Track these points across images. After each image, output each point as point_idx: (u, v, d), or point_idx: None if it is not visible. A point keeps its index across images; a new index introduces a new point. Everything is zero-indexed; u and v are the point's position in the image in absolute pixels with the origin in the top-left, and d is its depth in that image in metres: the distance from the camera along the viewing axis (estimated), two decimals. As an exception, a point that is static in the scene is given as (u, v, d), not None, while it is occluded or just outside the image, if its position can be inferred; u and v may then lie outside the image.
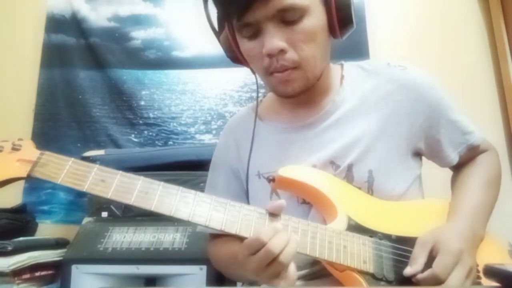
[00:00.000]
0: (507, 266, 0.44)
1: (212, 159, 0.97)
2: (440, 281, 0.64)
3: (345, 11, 0.74)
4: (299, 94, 0.77)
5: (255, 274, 0.62)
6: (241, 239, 0.64)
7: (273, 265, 0.60)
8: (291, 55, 0.72)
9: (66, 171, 0.64)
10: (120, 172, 0.65)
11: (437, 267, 0.65)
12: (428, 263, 0.67)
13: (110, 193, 0.63)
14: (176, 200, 0.64)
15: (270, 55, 0.72)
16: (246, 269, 0.63)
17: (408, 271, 0.67)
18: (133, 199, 0.63)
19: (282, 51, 0.71)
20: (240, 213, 0.65)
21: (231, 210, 0.65)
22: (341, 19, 0.75)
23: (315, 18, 0.73)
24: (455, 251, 0.67)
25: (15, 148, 0.67)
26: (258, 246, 0.60)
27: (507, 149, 1.79)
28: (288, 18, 0.71)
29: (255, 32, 0.73)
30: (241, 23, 0.73)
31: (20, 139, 0.69)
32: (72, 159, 0.65)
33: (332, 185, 0.76)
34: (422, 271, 0.66)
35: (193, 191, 0.66)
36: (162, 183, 0.65)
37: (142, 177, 0.65)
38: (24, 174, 0.65)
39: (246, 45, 0.76)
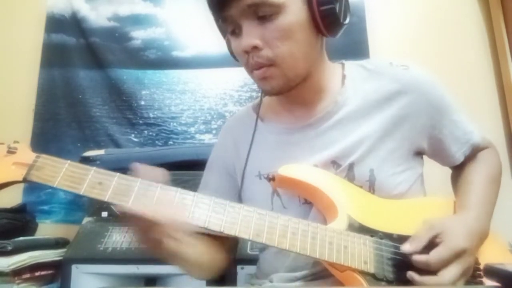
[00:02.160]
0: (507, 266, 0.44)
1: (209, 159, 0.97)
2: (431, 270, 0.64)
3: (329, 9, 0.72)
4: (281, 92, 0.77)
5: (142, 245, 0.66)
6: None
7: (151, 232, 0.62)
8: (265, 52, 0.72)
9: (63, 174, 0.63)
10: (118, 174, 0.64)
11: (434, 256, 0.65)
12: (429, 248, 0.66)
13: (107, 196, 0.62)
14: (175, 202, 0.64)
15: (245, 52, 0.73)
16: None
17: (406, 248, 0.67)
18: (131, 201, 0.62)
19: (256, 48, 0.71)
20: (239, 214, 0.65)
21: (231, 211, 0.65)
22: (325, 16, 0.73)
23: (292, 15, 0.72)
24: (458, 249, 0.67)
25: (10, 151, 0.65)
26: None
27: (507, 149, 1.79)
28: (261, 14, 0.70)
29: (235, 30, 0.74)
30: (220, 19, 0.75)
31: (16, 142, 0.67)
32: (69, 161, 0.64)
33: (333, 184, 0.75)
34: (420, 254, 0.66)
35: (191, 193, 0.65)
36: (160, 184, 0.65)
37: (140, 179, 0.64)
38: (20, 178, 0.63)
39: (232, 43, 0.77)
